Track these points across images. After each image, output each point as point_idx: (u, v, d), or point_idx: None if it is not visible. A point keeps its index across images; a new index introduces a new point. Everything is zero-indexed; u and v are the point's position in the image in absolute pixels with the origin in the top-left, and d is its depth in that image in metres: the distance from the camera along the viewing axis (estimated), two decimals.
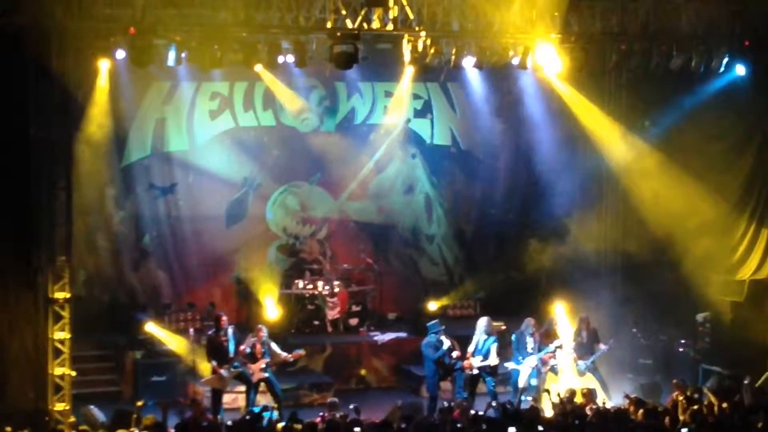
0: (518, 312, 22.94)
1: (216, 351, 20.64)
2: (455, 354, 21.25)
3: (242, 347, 20.71)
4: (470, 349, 21.43)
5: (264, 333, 21.05)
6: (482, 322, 21.62)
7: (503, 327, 23.46)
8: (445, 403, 19.23)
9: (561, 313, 23.22)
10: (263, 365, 20.78)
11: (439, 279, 27.52)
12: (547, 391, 19.22)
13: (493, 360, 21.26)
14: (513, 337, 21.91)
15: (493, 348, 21.32)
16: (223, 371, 20.45)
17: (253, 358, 20.86)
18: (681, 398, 18.43)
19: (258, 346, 20.87)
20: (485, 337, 21.40)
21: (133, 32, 19.31)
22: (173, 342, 22.83)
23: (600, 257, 25.23)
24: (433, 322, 21.87)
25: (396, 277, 27.05)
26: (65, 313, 19.93)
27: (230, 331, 20.84)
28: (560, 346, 21.75)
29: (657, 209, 23.80)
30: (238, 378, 20.91)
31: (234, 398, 21.51)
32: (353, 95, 26.45)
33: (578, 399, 19.23)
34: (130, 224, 24.98)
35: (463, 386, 21.46)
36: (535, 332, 21.74)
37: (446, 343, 21.35)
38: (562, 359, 21.75)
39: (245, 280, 24.85)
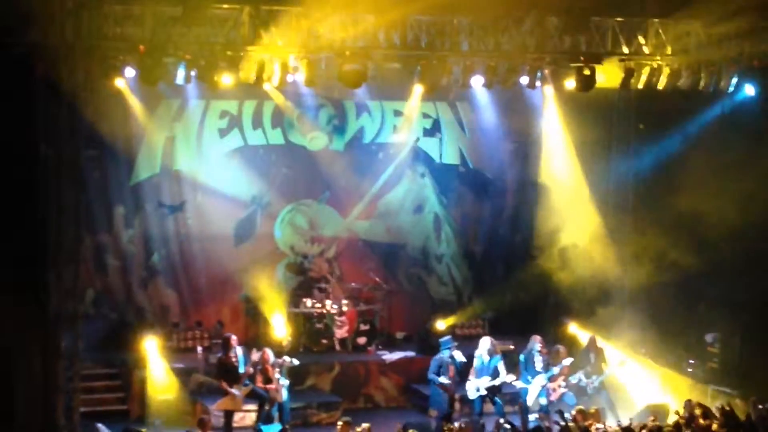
0: (526, 332, 22.86)
1: (226, 372, 20.68)
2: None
3: (248, 367, 20.75)
4: (472, 373, 21.41)
5: (270, 355, 21.09)
6: (485, 343, 21.54)
7: (511, 347, 23.45)
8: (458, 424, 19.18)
9: (569, 334, 23.21)
10: (284, 388, 20.89)
11: (448, 298, 27.47)
12: (560, 411, 19.14)
13: (504, 377, 21.21)
14: (521, 357, 21.88)
15: (500, 365, 21.29)
16: (234, 390, 20.47)
17: (268, 380, 20.91)
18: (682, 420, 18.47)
19: (270, 369, 20.91)
20: (488, 357, 21.37)
21: (143, 50, 19.35)
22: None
23: (608, 277, 25.18)
24: (446, 338, 21.92)
25: (404, 297, 27.02)
26: (73, 332, 19.93)
27: (239, 351, 20.87)
28: (570, 365, 21.74)
29: (665, 230, 23.78)
30: (250, 395, 20.92)
31: (242, 417, 21.47)
32: (362, 114, 26.46)
33: (586, 419, 19.17)
34: (138, 243, 24.97)
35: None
36: (542, 350, 21.71)
37: (459, 357, 21.39)
38: (572, 379, 21.77)
39: (253, 299, 24.82)
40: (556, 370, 21.61)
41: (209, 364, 22.63)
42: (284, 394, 21.04)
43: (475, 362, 21.47)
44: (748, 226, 23.29)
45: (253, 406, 21.20)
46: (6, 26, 18.26)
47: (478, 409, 21.41)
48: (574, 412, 19.03)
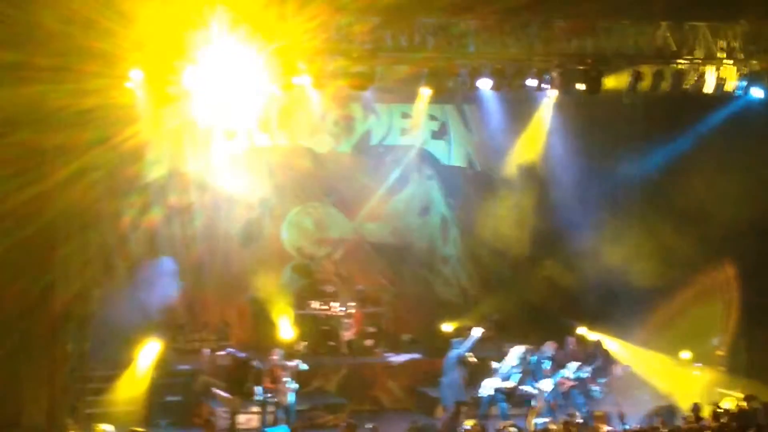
0: (533, 334, 22.88)
1: (232, 377, 20.77)
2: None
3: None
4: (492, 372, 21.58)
5: (278, 356, 21.14)
6: (518, 351, 21.71)
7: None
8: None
9: (577, 335, 23.22)
10: (291, 389, 20.94)
11: (454, 300, 27.48)
12: (572, 415, 19.15)
13: (509, 384, 21.31)
14: (532, 358, 21.92)
15: (515, 375, 21.41)
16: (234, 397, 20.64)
17: (274, 380, 20.96)
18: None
19: (276, 369, 20.97)
20: (516, 362, 21.51)
21: (151, 52, 19.38)
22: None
23: (615, 278, 25.16)
24: (457, 339, 22.03)
25: (411, 298, 27.02)
26: (80, 333, 19.96)
27: (257, 365, 21.08)
28: (581, 368, 21.81)
29: (672, 231, 23.77)
30: (257, 403, 21.01)
31: (249, 419, 21.49)
32: (369, 116, 26.51)
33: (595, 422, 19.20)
34: (145, 243, 24.99)
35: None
36: (554, 356, 21.77)
37: (471, 357, 21.56)
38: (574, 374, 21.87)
39: (260, 301, 24.82)
40: (565, 372, 21.65)
41: (215, 365, 22.65)
42: (291, 398, 21.07)
43: (498, 364, 21.64)
44: (755, 227, 23.31)
45: (256, 408, 21.26)
46: None
47: (483, 411, 21.46)
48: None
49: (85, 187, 20.84)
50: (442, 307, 26.97)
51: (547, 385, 21.46)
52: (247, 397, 20.86)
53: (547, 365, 21.70)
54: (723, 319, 24.11)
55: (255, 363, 21.31)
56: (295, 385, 21.18)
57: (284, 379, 21.01)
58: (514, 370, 21.54)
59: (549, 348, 21.88)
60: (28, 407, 19.59)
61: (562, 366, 21.95)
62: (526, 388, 21.59)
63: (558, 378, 21.56)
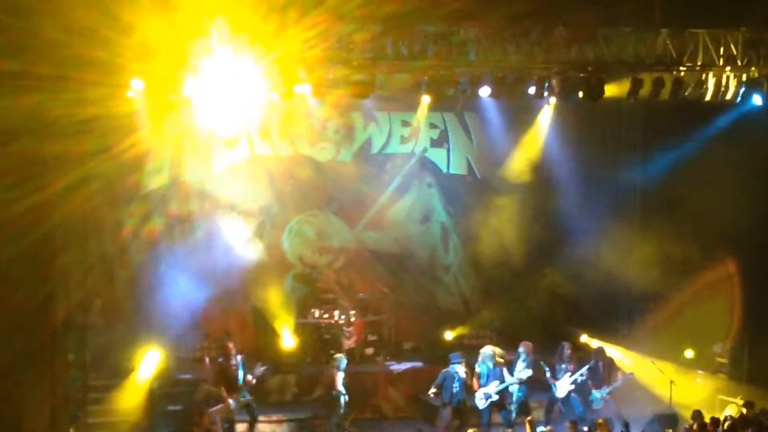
0: (534, 342, 22.84)
1: (225, 378, 20.74)
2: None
3: (249, 377, 20.84)
4: (476, 383, 21.51)
5: (342, 364, 21.51)
6: (487, 351, 21.63)
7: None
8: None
9: (579, 343, 23.22)
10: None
11: (456, 308, 27.45)
12: (573, 422, 19.13)
13: (511, 380, 21.36)
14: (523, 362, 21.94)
15: (504, 371, 21.43)
16: (231, 401, 20.57)
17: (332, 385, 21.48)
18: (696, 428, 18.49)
19: (336, 376, 21.40)
20: (492, 364, 21.45)
21: (151, 62, 19.40)
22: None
23: (616, 286, 25.17)
24: (455, 353, 21.93)
25: (412, 307, 26.97)
26: (81, 342, 19.95)
27: (239, 359, 20.98)
28: (582, 372, 21.83)
29: (672, 238, 23.77)
30: (245, 408, 20.99)
31: (247, 428, 21.48)
32: (370, 124, 26.51)
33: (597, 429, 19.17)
34: (146, 253, 24.97)
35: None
36: (527, 356, 21.73)
37: (461, 373, 21.41)
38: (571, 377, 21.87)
39: (261, 310, 24.81)
40: (522, 376, 21.67)
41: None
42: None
43: (479, 371, 21.52)
44: (756, 234, 23.30)
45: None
46: None
47: (486, 420, 21.41)
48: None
49: (86, 196, 20.91)
50: (443, 315, 26.96)
51: (513, 386, 21.53)
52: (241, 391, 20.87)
53: (519, 365, 21.68)
54: (725, 324, 24.12)
55: (239, 358, 21.29)
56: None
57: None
58: (498, 369, 21.46)
59: (521, 348, 21.88)
60: (30, 417, 19.58)
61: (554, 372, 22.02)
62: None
63: (519, 379, 21.55)
